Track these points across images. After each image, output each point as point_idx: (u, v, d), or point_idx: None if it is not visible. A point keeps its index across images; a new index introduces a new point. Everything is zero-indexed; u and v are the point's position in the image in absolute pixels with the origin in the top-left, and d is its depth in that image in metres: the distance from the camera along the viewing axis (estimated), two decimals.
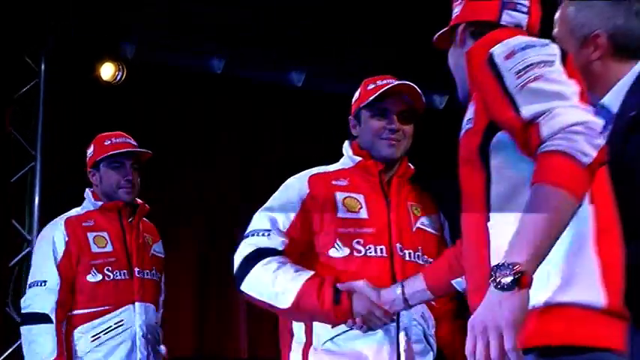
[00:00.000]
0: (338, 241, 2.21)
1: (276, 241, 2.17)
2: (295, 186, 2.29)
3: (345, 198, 2.26)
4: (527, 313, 1.29)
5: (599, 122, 1.40)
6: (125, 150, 3.13)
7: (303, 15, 6.48)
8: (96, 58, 5.37)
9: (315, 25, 6.25)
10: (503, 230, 1.40)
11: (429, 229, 2.37)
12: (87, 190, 3.27)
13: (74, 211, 3.22)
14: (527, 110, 1.41)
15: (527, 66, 1.46)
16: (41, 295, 3.01)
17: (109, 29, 5.54)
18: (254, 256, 2.15)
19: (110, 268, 3.06)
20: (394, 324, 2.14)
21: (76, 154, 3.64)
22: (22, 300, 3.15)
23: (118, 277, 3.10)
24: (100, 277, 3.05)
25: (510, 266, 1.28)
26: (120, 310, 3.08)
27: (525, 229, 1.33)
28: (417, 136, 2.40)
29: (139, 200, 3.32)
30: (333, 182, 2.29)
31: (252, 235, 2.20)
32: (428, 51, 2.11)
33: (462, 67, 1.66)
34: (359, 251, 2.19)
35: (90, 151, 3.24)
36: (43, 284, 3.04)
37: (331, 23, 6.23)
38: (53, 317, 2.99)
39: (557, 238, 1.33)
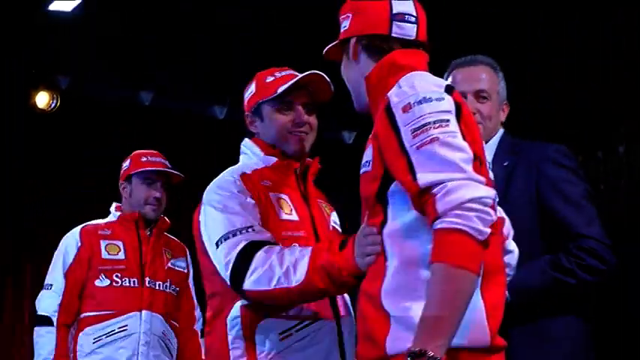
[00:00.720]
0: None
1: (265, 234, 2.03)
2: (238, 184, 2.12)
3: (277, 199, 2.15)
4: None
5: (491, 194, 1.51)
6: (159, 169, 3.27)
7: (228, 52, 6.42)
8: (32, 87, 5.85)
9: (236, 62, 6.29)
10: (403, 283, 1.56)
11: (337, 227, 2.37)
12: (113, 203, 3.42)
13: (96, 221, 3.38)
14: (422, 178, 1.50)
15: (424, 125, 1.54)
16: (46, 298, 3.16)
17: (45, 61, 5.94)
18: (248, 250, 1.97)
19: (119, 275, 3.18)
20: (336, 331, 2.07)
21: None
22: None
23: (127, 285, 3.20)
24: (107, 282, 3.18)
25: (425, 353, 1.39)
26: (125, 315, 3.18)
27: (434, 314, 1.42)
28: (326, 171, 2.37)
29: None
30: (261, 183, 2.17)
31: (234, 234, 2.01)
32: (336, 87, 2.19)
33: (358, 81, 1.80)
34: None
35: (125, 164, 3.36)
36: (49, 288, 3.19)
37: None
38: (54, 319, 3.13)
39: (464, 309, 1.44)
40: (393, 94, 1.61)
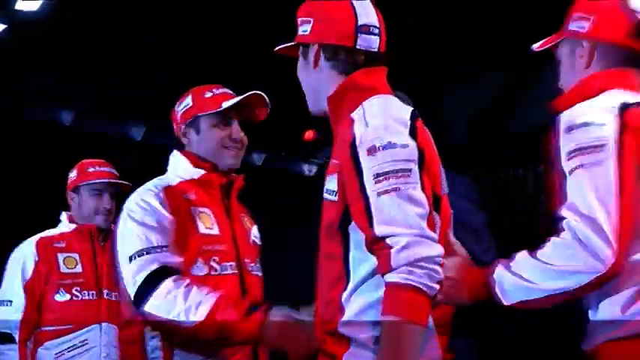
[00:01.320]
0: (199, 259, 2.11)
1: (177, 258, 2.06)
2: (158, 199, 2.13)
3: (199, 213, 2.17)
4: None
5: (441, 253, 1.55)
6: (107, 180, 3.21)
7: (145, 77, 6.54)
8: None
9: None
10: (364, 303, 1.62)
11: (257, 241, 2.39)
12: (63, 212, 3.33)
13: (48, 232, 3.29)
14: (379, 229, 1.54)
15: (387, 173, 1.55)
16: (6, 315, 3.09)
17: None
18: (159, 273, 2.01)
19: (79, 289, 3.12)
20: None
21: None
22: None
23: (87, 298, 3.14)
24: (68, 296, 3.12)
25: None
26: (85, 329, 3.14)
27: None
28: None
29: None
30: (184, 196, 2.18)
31: (148, 252, 2.04)
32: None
33: (316, 87, 1.79)
34: (215, 269, 2.11)
35: (72, 174, 3.29)
36: (9, 304, 3.11)
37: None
38: (16, 337, 3.08)
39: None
40: (359, 132, 1.61)
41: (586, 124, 1.54)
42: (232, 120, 2.24)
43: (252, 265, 2.26)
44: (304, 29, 1.78)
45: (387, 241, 1.52)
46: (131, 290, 2.03)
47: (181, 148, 2.31)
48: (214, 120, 2.22)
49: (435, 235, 1.57)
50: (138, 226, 2.09)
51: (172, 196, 2.15)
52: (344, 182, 1.63)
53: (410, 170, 1.56)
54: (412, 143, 1.59)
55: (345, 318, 1.62)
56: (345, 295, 1.64)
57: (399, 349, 1.51)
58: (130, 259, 2.05)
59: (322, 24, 1.75)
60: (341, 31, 1.73)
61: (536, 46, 1.86)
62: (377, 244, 1.55)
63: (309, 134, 6.87)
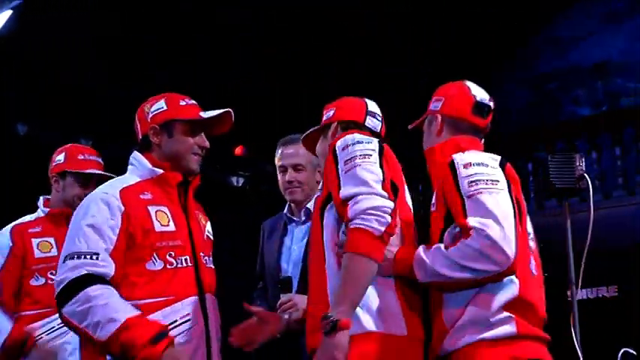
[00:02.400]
0: (155, 255, 2.22)
1: (107, 267, 2.14)
2: (111, 202, 2.23)
3: (156, 211, 2.27)
4: (350, 341, 1.90)
5: (389, 205, 1.98)
6: (96, 172, 3.21)
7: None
8: None
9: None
10: (333, 268, 2.05)
11: (210, 236, 2.55)
12: (40, 197, 3.34)
13: (25, 218, 3.30)
14: (343, 191, 2.03)
15: (352, 157, 2.07)
16: None
17: None
18: (83, 280, 2.10)
19: (53, 272, 2.90)
20: (204, 331, 2.27)
21: None
22: None
23: None
24: (43, 280, 3.12)
25: (330, 317, 1.90)
26: None
27: (342, 288, 1.95)
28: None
29: None
30: (141, 196, 2.28)
31: (77, 257, 2.14)
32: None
33: (325, 152, 2.31)
34: (171, 263, 2.24)
35: (60, 157, 3.24)
36: None
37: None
38: None
39: (366, 289, 1.96)
40: (338, 142, 2.15)
41: (483, 164, 2.02)
42: (201, 130, 2.40)
43: (207, 258, 2.39)
44: (327, 115, 2.41)
45: (348, 201, 1.99)
46: (56, 289, 2.13)
47: (140, 149, 2.40)
48: (188, 127, 2.35)
49: (386, 194, 1.99)
50: (78, 228, 2.19)
51: (128, 196, 2.24)
52: (326, 176, 2.16)
53: (370, 155, 2.07)
54: (375, 140, 2.14)
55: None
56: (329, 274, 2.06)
57: (353, 274, 1.94)
58: (65, 258, 2.15)
59: (342, 109, 2.41)
60: (356, 111, 2.40)
61: (410, 126, 2.40)
62: (343, 206, 2.00)
63: (238, 150, 7.45)
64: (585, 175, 2.92)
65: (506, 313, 1.96)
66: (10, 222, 3.32)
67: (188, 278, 2.26)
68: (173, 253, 2.24)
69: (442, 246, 1.96)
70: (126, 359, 2.07)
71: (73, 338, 2.99)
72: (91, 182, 3.15)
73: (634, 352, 3.16)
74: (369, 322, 1.98)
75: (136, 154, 2.39)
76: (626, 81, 8.42)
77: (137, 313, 2.10)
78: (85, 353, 2.23)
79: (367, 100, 2.44)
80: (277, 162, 3.10)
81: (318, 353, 1.92)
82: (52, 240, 3.16)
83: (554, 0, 8.48)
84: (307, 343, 2.09)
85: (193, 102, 2.43)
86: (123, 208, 2.20)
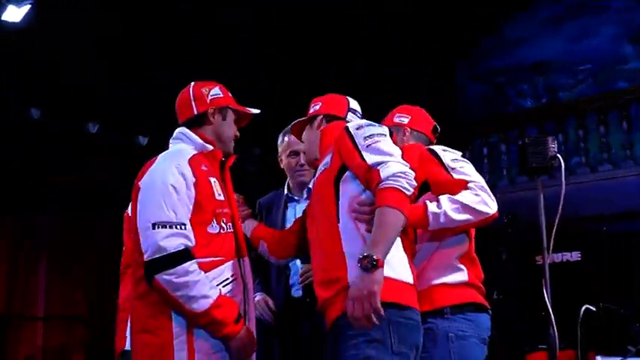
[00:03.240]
0: (214, 220, 2.45)
1: (191, 236, 2.34)
2: (186, 173, 2.41)
3: (214, 182, 2.51)
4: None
5: (413, 172, 2.29)
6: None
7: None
8: None
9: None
10: (351, 232, 2.32)
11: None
12: None
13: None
14: (370, 159, 2.30)
15: (371, 135, 2.37)
16: None
17: None
18: (181, 255, 2.30)
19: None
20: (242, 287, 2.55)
21: None
22: None
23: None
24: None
25: (371, 256, 2.12)
26: None
27: (378, 233, 2.20)
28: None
29: None
30: (202, 167, 2.49)
31: (169, 226, 2.31)
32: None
33: (315, 142, 2.64)
34: (223, 228, 2.49)
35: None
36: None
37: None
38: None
39: (396, 237, 2.23)
40: (349, 125, 2.47)
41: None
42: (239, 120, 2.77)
43: (241, 225, 2.72)
44: (314, 108, 2.73)
45: (377, 167, 2.26)
46: (150, 254, 2.30)
47: (189, 125, 2.61)
48: (236, 116, 2.69)
49: (408, 164, 2.31)
50: (166, 194, 2.36)
51: (195, 166, 2.45)
52: (340, 150, 2.41)
53: (385, 135, 2.41)
54: (385, 126, 2.50)
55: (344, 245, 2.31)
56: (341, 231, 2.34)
57: (388, 224, 2.19)
58: (154, 226, 2.31)
59: (328, 104, 2.73)
60: (339, 107, 2.73)
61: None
62: (370, 172, 2.27)
63: None
64: (558, 155, 3.13)
65: (460, 264, 2.58)
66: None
67: (232, 242, 2.52)
68: (225, 219, 2.49)
69: (448, 196, 2.46)
70: (209, 329, 2.34)
71: None
72: None
73: (593, 308, 3.50)
74: (387, 270, 2.18)
75: (184, 130, 2.59)
76: (563, 77, 9.67)
77: (220, 292, 2.36)
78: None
79: (349, 98, 2.78)
80: (286, 148, 3.33)
81: (357, 287, 2.12)
82: None
83: (503, 6, 9.72)
84: (327, 314, 2.32)
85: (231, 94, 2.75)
86: (194, 179, 2.40)
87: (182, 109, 2.64)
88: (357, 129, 2.38)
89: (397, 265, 2.27)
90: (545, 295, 2.97)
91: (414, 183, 2.26)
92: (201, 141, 2.57)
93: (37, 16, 6.25)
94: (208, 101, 2.61)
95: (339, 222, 2.34)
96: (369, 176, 2.28)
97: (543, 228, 3.13)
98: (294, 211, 3.26)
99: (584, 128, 8.34)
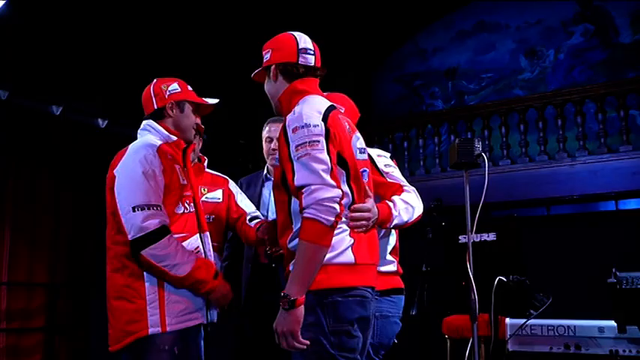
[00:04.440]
0: (180, 202, 2.71)
1: (165, 215, 2.60)
2: (154, 161, 2.65)
3: (178, 168, 2.74)
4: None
5: (337, 194, 2.20)
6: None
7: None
8: None
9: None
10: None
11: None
12: None
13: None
14: (297, 180, 2.22)
15: (303, 143, 2.23)
16: None
17: None
18: (160, 231, 2.55)
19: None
20: None
21: None
22: None
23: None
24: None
25: (288, 296, 2.18)
26: None
27: (296, 271, 2.20)
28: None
29: None
30: (168, 156, 2.72)
31: (148, 208, 2.56)
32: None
33: (275, 94, 2.49)
34: (186, 209, 2.75)
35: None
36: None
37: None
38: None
39: (317, 270, 2.20)
40: (289, 118, 2.31)
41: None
42: (198, 110, 2.98)
43: (200, 204, 2.94)
44: (266, 57, 2.53)
45: (302, 190, 2.22)
46: (134, 235, 2.54)
47: (154, 118, 2.85)
48: (194, 107, 2.91)
49: (334, 183, 2.22)
50: (138, 182, 2.60)
51: (163, 155, 2.70)
52: (280, 154, 2.35)
53: (318, 141, 2.26)
54: (322, 124, 2.29)
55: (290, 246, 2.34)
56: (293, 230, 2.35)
57: (305, 260, 2.19)
58: (134, 209, 2.56)
59: (277, 51, 2.51)
60: (288, 52, 2.49)
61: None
62: (297, 193, 2.24)
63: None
64: (482, 153, 3.48)
65: (391, 257, 2.88)
66: None
67: (194, 220, 2.79)
68: (188, 201, 2.76)
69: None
70: (193, 289, 2.63)
71: None
72: None
73: (505, 279, 3.86)
74: (327, 256, 2.24)
75: (150, 122, 2.83)
76: (469, 83, 10.90)
77: (197, 256, 2.65)
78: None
79: (297, 36, 2.52)
80: (265, 134, 3.71)
81: (279, 323, 2.20)
82: None
83: (419, 19, 10.89)
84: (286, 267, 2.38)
85: (190, 88, 2.93)
86: (162, 167, 2.66)
87: (145, 104, 2.88)
88: (293, 131, 2.28)
89: (338, 249, 2.27)
90: (469, 268, 3.24)
91: (337, 210, 2.19)
92: (166, 132, 2.81)
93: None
94: (166, 97, 2.84)
95: (292, 223, 2.34)
96: (296, 196, 2.27)
97: (468, 212, 3.42)
98: (269, 191, 3.64)
99: (489, 128, 9.25)
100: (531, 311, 4.03)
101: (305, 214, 2.19)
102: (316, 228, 2.17)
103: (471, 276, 3.25)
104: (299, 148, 2.25)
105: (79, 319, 7.81)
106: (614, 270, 3.48)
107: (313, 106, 2.35)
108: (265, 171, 3.80)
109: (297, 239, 2.24)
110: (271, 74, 2.50)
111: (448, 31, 11.13)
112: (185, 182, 2.76)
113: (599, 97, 8.62)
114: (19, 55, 7.01)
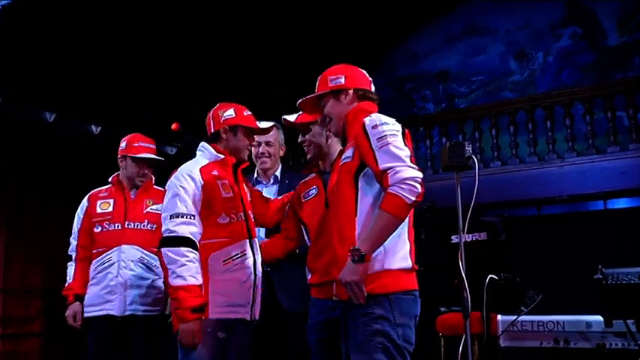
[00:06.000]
0: (223, 213, 3.07)
1: (196, 227, 2.99)
2: (195, 177, 3.05)
3: (222, 184, 3.09)
4: (371, 274, 2.45)
5: (420, 175, 2.45)
6: (149, 156, 3.98)
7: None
8: None
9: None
10: (364, 222, 2.53)
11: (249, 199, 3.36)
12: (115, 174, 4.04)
13: (99, 189, 4.08)
14: (381, 164, 2.48)
15: (383, 136, 2.52)
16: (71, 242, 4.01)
17: None
18: (186, 241, 2.94)
19: (107, 223, 3.95)
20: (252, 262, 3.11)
21: None
22: None
23: (112, 228, 3.95)
24: (100, 228, 3.94)
25: (359, 250, 2.41)
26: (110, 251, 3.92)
27: (371, 232, 2.44)
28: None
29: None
30: (212, 172, 3.10)
31: (181, 216, 2.98)
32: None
33: (341, 116, 2.77)
34: (233, 218, 3.10)
35: (123, 145, 4.01)
36: (72, 235, 4.02)
37: None
38: (74, 256, 3.95)
39: (388, 237, 2.46)
40: (367, 120, 2.60)
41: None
42: (254, 133, 3.34)
43: (250, 213, 3.27)
44: (338, 81, 2.82)
45: (387, 172, 2.47)
46: (165, 234, 2.98)
47: (209, 140, 3.26)
48: (247, 131, 3.26)
49: (416, 167, 2.50)
50: (177, 195, 3.04)
51: (205, 173, 3.11)
52: (359, 148, 2.59)
53: (396, 134, 2.56)
54: (398, 124, 2.63)
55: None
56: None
57: (382, 227, 2.44)
58: (171, 217, 3.01)
59: (353, 78, 2.84)
60: (364, 81, 2.86)
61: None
62: (382, 175, 2.49)
63: (174, 126, 8.56)
64: (472, 156, 3.61)
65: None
66: None
67: (242, 227, 3.15)
68: (234, 211, 3.13)
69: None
70: (173, 305, 2.94)
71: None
72: (145, 165, 3.98)
73: (496, 277, 3.95)
74: (386, 259, 2.51)
75: (204, 144, 3.26)
76: (460, 86, 11.05)
77: (199, 282, 2.92)
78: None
79: (363, 71, 2.90)
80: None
81: (346, 274, 2.44)
82: (111, 201, 4.02)
83: (409, 23, 11.06)
84: (338, 252, 2.60)
85: (250, 113, 3.28)
86: (202, 182, 3.06)
87: (206, 127, 3.30)
88: (373, 127, 2.56)
89: (398, 255, 2.52)
90: (461, 266, 3.38)
91: (418, 188, 2.42)
92: (215, 152, 3.21)
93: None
94: (222, 121, 3.22)
95: (356, 210, 2.57)
96: (380, 179, 2.49)
97: (459, 212, 3.52)
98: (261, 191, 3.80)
99: (480, 130, 9.40)
100: (522, 308, 4.13)
101: (389, 190, 2.43)
102: (398, 202, 2.41)
103: (464, 275, 3.38)
104: (380, 139, 2.52)
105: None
106: (600, 266, 3.58)
107: (385, 117, 2.64)
108: (255, 174, 3.98)
109: (365, 227, 2.49)
110: (348, 98, 2.78)
111: (438, 34, 11.26)
112: (231, 194, 3.12)
113: (587, 99, 8.77)
114: (12, 63, 7.10)
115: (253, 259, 3.14)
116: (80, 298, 3.86)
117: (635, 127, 8.39)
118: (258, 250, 3.23)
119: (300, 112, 3.15)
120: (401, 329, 2.47)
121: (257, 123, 3.30)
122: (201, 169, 3.11)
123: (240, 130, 3.24)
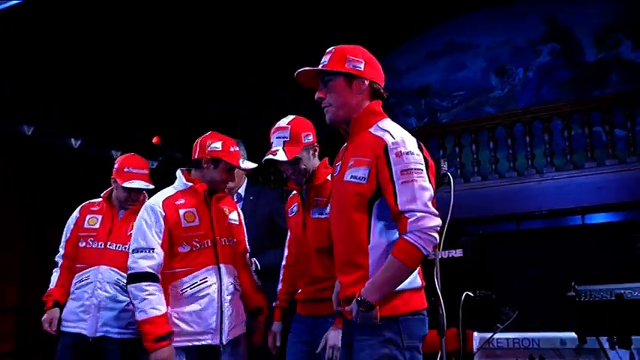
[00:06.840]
0: (184, 242, 3.14)
1: (155, 260, 3.07)
2: (156, 210, 3.14)
3: (185, 213, 3.17)
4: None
5: (439, 223, 2.31)
6: (136, 186, 3.91)
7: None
8: None
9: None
10: (377, 250, 2.37)
11: (236, 222, 3.39)
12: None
13: (92, 201, 4.07)
14: (401, 204, 2.29)
15: (408, 169, 2.30)
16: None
17: None
18: (145, 275, 3.05)
19: (91, 240, 3.93)
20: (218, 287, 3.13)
21: None
22: None
23: (94, 246, 3.94)
24: (84, 244, 3.93)
25: (368, 302, 2.31)
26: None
27: (380, 281, 2.32)
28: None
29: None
30: (176, 202, 3.17)
31: (140, 250, 3.08)
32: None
33: (349, 104, 2.46)
34: (195, 246, 3.16)
35: (115, 166, 3.95)
36: (61, 242, 4.01)
37: None
38: (59, 263, 3.96)
39: (396, 286, 2.33)
40: (389, 142, 2.34)
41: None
42: (233, 169, 3.34)
43: (225, 239, 3.27)
44: (356, 65, 2.48)
45: (406, 214, 2.30)
46: (128, 271, 3.10)
47: (188, 166, 3.32)
48: (227, 167, 3.28)
49: (437, 212, 2.33)
50: (139, 229, 3.14)
51: (168, 205, 3.18)
52: (378, 174, 2.36)
53: (422, 170, 2.35)
54: (421, 154, 2.40)
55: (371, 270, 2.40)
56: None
57: (393, 276, 2.32)
58: (133, 251, 3.13)
59: (372, 68, 2.52)
60: (381, 76, 2.55)
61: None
62: (399, 216, 2.32)
63: (155, 139, 8.47)
64: (448, 173, 3.56)
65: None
66: None
67: (207, 254, 3.17)
68: (197, 239, 3.17)
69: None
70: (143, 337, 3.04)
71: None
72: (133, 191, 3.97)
73: (472, 294, 3.98)
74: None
75: (178, 172, 3.33)
76: (441, 101, 11.16)
77: (161, 313, 3.02)
78: None
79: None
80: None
81: (357, 316, 2.34)
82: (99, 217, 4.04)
83: (390, 39, 11.05)
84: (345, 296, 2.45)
85: (237, 149, 3.31)
86: (164, 214, 3.14)
87: (192, 151, 3.32)
88: (397, 155, 2.33)
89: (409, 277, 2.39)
90: (437, 283, 3.30)
91: (436, 239, 2.30)
92: (184, 180, 3.28)
93: None
94: (207, 151, 3.25)
95: (368, 238, 2.39)
96: (397, 219, 2.32)
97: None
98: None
99: (460, 145, 9.49)
100: (498, 325, 4.14)
101: (406, 237, 2.29)
102: (414, 252, 2.28)
103: (439, 291, 3.31)
104: (404, 173, 2.32)
105: (49, 344, 7.78)
106: (572, 284, 3.62)
107: (407, 134, 2.43)
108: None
109: (379, 257, 2.35)
110: (361, 87, 2.48)
111: (419, 50, 11.38)
112: (196, 223, 3.17)
113: (565, 114, 8.90)
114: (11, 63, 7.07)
115: (219, 285, 3.17)
116: (59, 305, 3.87)
117: (612, 143, 8.53)
118: (230, 274, 3.25)
119: (282, 149, 3.04)
120: (409, 353, 2.38)
121: (240, 162, 3.32)
122: (164, 202, 3.18)
123: (222, 165, 3.27)
